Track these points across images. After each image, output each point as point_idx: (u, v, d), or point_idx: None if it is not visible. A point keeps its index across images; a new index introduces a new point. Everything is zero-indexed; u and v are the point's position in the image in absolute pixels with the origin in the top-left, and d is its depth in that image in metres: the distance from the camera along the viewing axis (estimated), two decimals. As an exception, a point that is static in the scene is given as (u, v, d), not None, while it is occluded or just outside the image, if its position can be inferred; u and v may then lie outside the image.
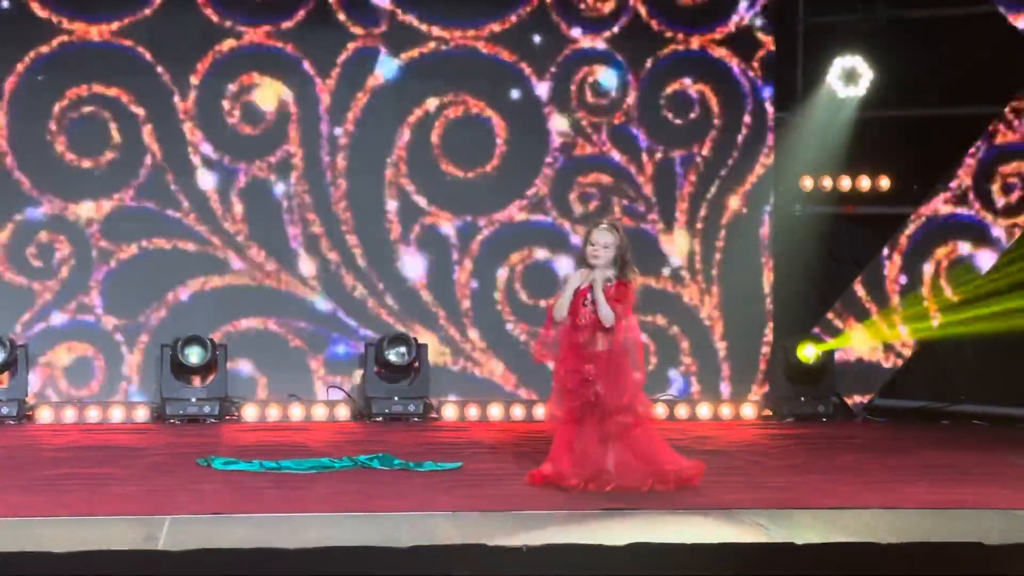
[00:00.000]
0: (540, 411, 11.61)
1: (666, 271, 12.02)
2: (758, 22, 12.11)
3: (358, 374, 11.69)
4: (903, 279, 11.99)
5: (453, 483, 8.38)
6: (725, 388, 12.14)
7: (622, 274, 8.22)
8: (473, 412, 11.59)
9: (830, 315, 12.21)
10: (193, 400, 11.27)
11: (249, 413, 11.40)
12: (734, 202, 12.16)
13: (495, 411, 11.61)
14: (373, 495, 7.98)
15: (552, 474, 8.18)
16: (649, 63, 12.07)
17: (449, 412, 11.59)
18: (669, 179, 12.12)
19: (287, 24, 11.77)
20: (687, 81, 12.12)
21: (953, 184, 11.80)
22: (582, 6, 11.99)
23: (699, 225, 12.12)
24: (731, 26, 12.13)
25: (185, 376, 11.32)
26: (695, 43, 12.12)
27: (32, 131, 11.56)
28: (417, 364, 11.48)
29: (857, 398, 12.06)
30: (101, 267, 11.64)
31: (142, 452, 9.61)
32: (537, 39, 11.95)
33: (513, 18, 11.96)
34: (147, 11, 11.60)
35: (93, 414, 11.23)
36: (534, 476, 8.27)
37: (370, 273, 11.89)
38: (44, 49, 11.54)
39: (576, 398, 8.16)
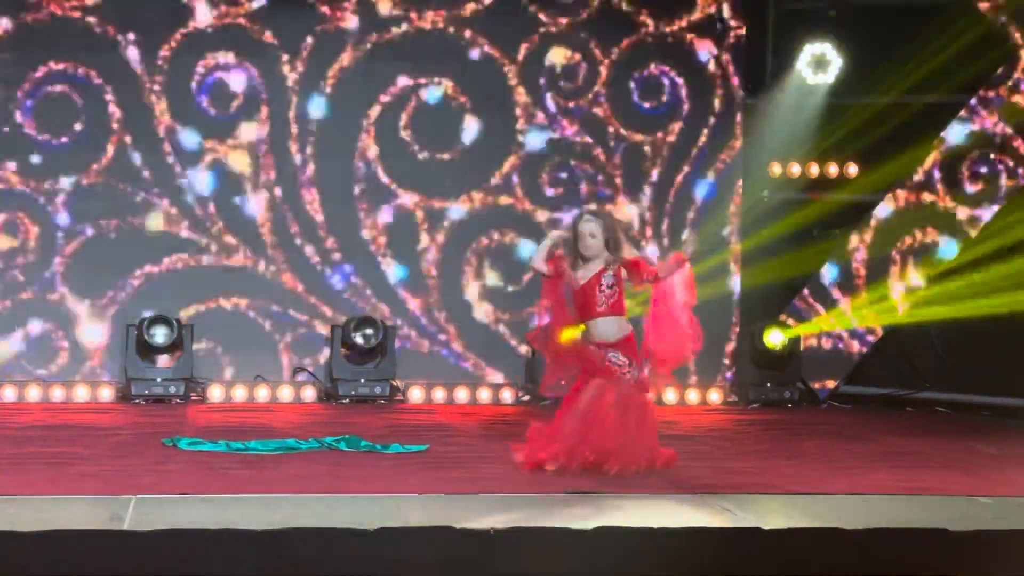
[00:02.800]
0: (507, 394, 11.63)
1: None
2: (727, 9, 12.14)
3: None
4: (870, 266, 12.04)
5: (420, 465, 8.38)
6: (692, 373, 12.16)
7: (624, 253, 8.26)
8: (439, 395, 11.58)
9: (797, 301, 12.24)
10: (158, 380, 11.24)
11: (215, 393, 11.37)
12: (702, 188, 12.18)
13: (461, 394, 11.60)
14: (340, 477, 7.96)
15: (559, 454, 8.12)
16: (619, 48, 12.06)
17: (415, 394, 11.58)
18: (637, 164, 12.13)
19: (257, 4, 11.70)
20: (656, 66, 12.11)
21: (921, 171, 11.84)
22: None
23: (667, 209, 12.14)
24: (701, 12, 12.13)
25: (151, 356, 11.27)
26: (665, 28, 12.12)
27: (-3, 107, 11.50)
28: (384, 346, 11.47)
29: (822, 384, 12.10)
30: (66, 245, 11.57)
31: (107, 432, 9.57)
32: (507, 22, 11.92)
33: (484, 1, 11.93)
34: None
35: (57, 393, 11.17)
36: (534, 459, 8.20)
37: (338, 254, 11.86)
38: (10, 23, 11.45)
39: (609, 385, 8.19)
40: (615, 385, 8.16)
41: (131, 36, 11.58)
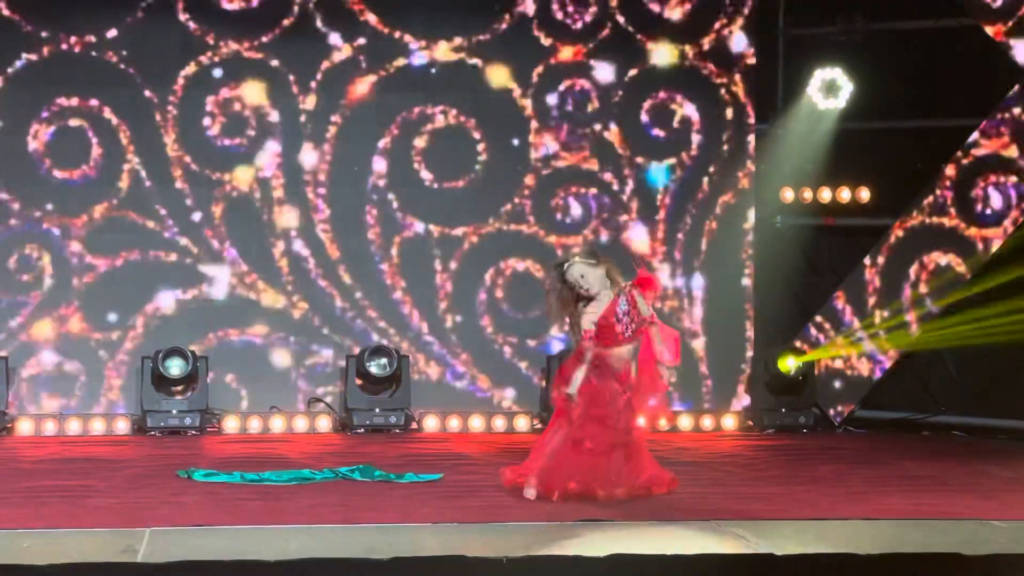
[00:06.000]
0: (522, 422, 11.63)
1: None
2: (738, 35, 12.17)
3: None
4: (883, 290, 12.03)
5: (434, 495, 8.38)
6: (706, 399, 12.15)
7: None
8: (454, 423, 11.59)
9: (811, 326, 12.24)
10: (174, 412, 11.25)
11: (230, 425, 11.38)
12: (714, 214, 12.18)
13: (476, 422, 11.60)
14: (353, 507, 7.97)
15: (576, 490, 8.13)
16: (630, 75, 12.09)
17: (430, 423, 11.58)
18: (649, 191, 12.14)
19: (268, 36, 11.76)
20: (668, 93, 12.14)
21: (933, 195, 11.83)
22: (564, 19, 12.00)
23: (680, 236, 12.15)
24: (712, 38, 12.16)
25: (166, 388, 11.30)
26: (676, 55, 12.14)
27: (12, 142, 11.53)
28: (398, 376, 11.48)
29: (838, 409, 12.08)
30: (82, 279, 11.61)
31: (122, 464, 9.59)
32: (518, 49, 11.96)
33: (494, 30, 11.97)
34: (128, 22, 11.59)
35: (73, 426, 11.20)
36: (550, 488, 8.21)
37: (351, 284, 11.88)
38: (24, 60, 11.53)
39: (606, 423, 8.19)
40: (607, 419, 8.16)
41: (143, 69, 11.63)
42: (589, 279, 8.24)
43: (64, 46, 11.55)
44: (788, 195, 12.27)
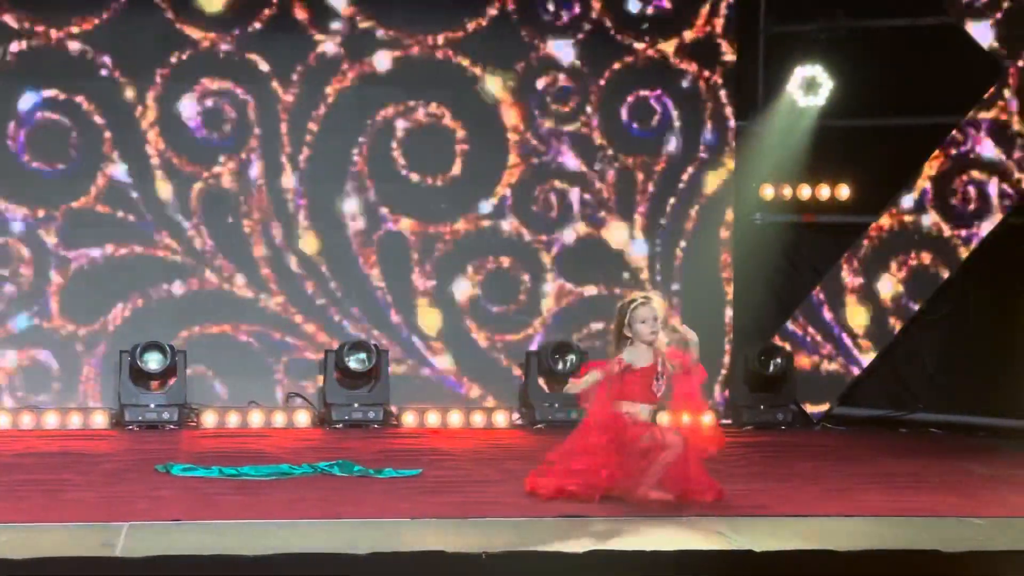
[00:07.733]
0: (500, 418, 11.63)
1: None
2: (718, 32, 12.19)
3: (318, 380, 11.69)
4: (862, 288, 12.06)
5: (412, 490, 8.38)
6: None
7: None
8: (433, 419, 11.58)
9: (789, 323, 12.26)
10: (152, 406, 11.22)
11: (208, 419, 11.36)
12: (693, 211, 12.21)
13: (455, 418, 11.60)
14: (332, 501, 7.96)
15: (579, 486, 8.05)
16: (610, 71, 12.10)
17: (409, 419, 11.57)
18: (629, 187, 12.16)
19: (247, 30, 11.73)
20: (647, 89, 12.15)
21: (912, 193, 11.87)
22: (545, 16, 12.01)
23: (659, 233, 12.16)
24: (692, 35, 12.17)
25: (144, 382, 11.27)
26: (656, 51, 12.16)
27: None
28: (378, 371, 11.47)
29: (816, 406, 12.11)
30: (60, 273, 11.57)
31: (100, 458, 9.56)
32: (498, 46, 11.96)
33: (474, 24, 11.97)
34: (106, 15, 11.55)
35: (51, 420, 11.16)
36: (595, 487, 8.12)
37: (331, 279, 11.86)
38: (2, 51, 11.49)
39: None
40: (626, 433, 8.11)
41: (122, 62, 11.59)
42: (656, 327, 8.08)
43: (43, 39, 11.50)
44: (768, 192, 12.30)
